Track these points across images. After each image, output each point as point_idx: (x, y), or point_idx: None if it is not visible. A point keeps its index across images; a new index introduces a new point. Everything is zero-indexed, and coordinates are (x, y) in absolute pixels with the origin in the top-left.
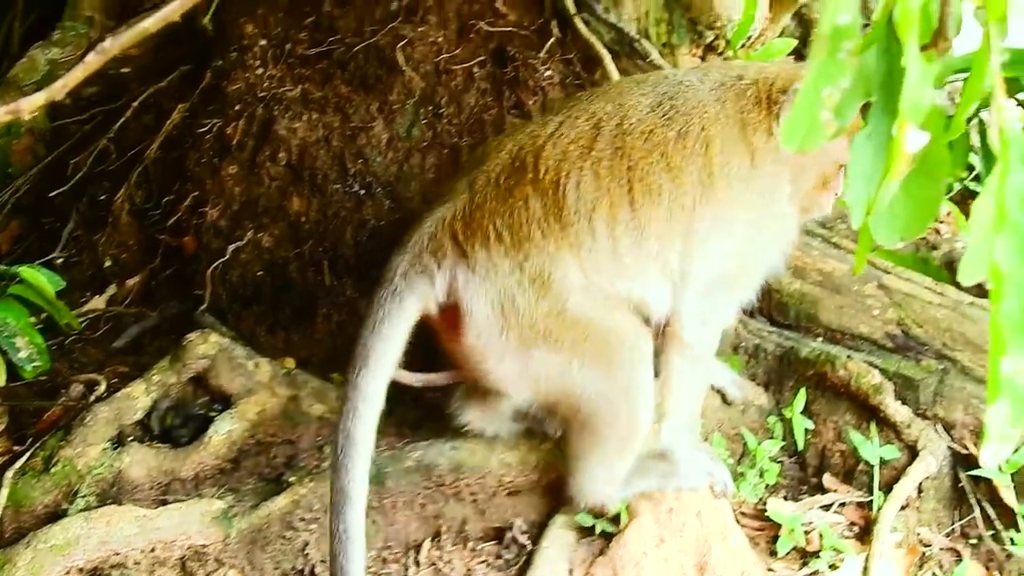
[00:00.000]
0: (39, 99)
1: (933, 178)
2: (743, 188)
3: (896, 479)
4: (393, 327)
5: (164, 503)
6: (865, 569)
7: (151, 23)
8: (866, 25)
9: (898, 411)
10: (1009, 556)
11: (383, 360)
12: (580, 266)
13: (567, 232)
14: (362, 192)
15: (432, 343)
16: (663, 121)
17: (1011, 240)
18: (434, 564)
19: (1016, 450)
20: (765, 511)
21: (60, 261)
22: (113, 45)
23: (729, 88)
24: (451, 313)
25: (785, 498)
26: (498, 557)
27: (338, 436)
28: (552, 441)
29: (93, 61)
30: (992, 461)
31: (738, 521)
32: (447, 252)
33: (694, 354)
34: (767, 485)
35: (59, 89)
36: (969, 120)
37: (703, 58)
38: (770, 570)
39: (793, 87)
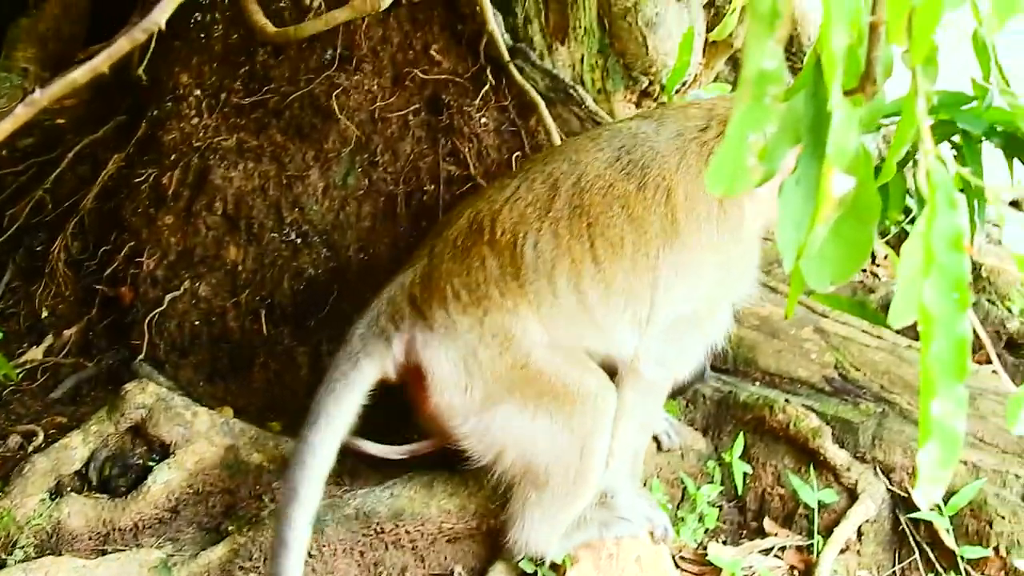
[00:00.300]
0: None
1: (863, 222)
2: (711, 232)
3: (836, 523)
4: (348, 389)
5: (103, 553)
6: None
7: (80, 74)
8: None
9: (837, 455)
10: None
11: (335, 420)
12: (541, 323)
13: (525, 290)
14: (299, 241)
15: (408, 414)
16: (622, 176)
17: (939, 282)
18: None
19: (956, 492)
20: (705, 556)
21: None
22: (43, 96)
23: (689, 138)
24: (415, 375)
25: (725, 543)
26: None
27: (285, 488)
28: (491, 488)
29: (23, 113)
30: (925, 503)
31: (678, 566)
32: (405, 315)
33: (652, 392)
34: (707, 530)
35: None
36: (905, 163)
37: (638, 104)
38: None
39: None
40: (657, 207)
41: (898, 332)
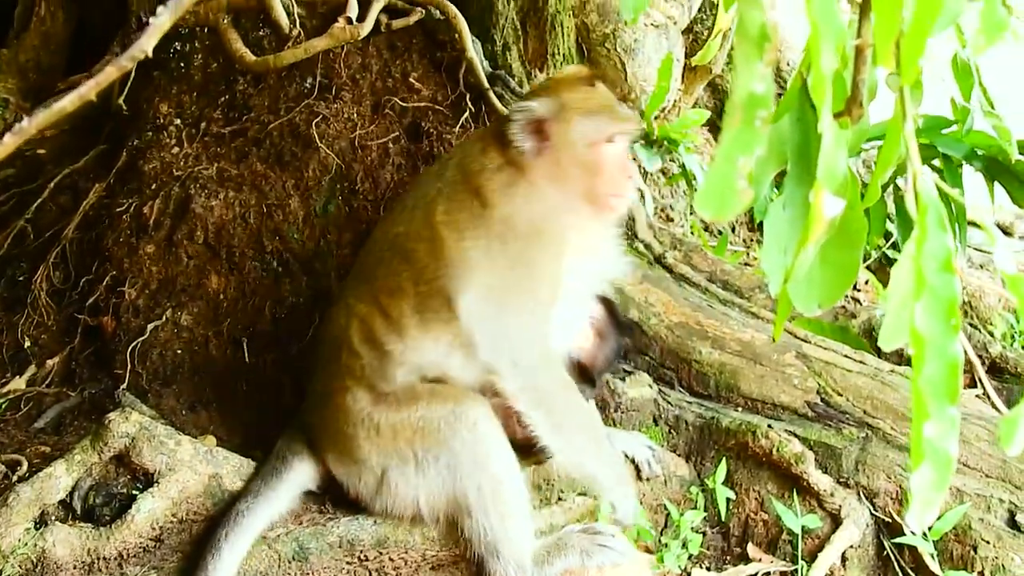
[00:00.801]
0: None
1: (850, 245)
2: (477, 230)
3: (819, 548)
4: (267, 501)
5: None
6: None
7: (68, 102)
8: (780, 95)
9: (820, 480)
10: None
11: (251, 525)
12: (369, 390)
13: (352, 364)
14: (280, 269)
15: None
16: (409, 215)
17: (930, 305)
18: None
19: (940, 517)
20: None
21: None
22: (30, 125)
23: (443, 171)
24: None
25: (709, 568)
26: None
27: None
28: None
29: (11, 141)
30: (918, 526)
31: None
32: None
33: (536, 394)
34: (690, 556)
35: None
36: (885, 188)
37: None
38: None
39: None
40: (428, 228)
41: (880, 357)
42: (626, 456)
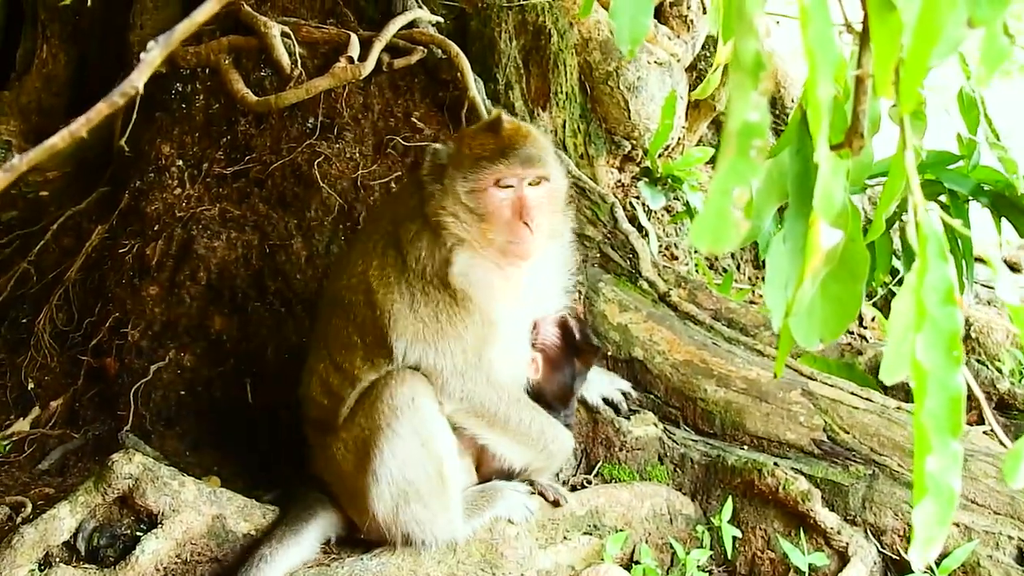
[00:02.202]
0: None
1: (852, 278)
2: (400, 284)
3: None
4: (289, 548)
5: None
6: None
7: (58, 139)
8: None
9: (827, 517)
10: None
11: (272, 571)
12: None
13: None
14: (283, 310)
15: None
16: (351, 269)
17: (932, 337)
18: None
19: (949, 554)
20: None
21: None
22: (23, 163)
23: (386, 211)
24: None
25: None
26: None
27: None
28: (479, 555)
29: (2, 179)
30: (921, 561)
31: None
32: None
33: (471, 405)
34: None
35: None
36: (891, 224)
37: (621, 168)
38: None
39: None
40: (360, 291)
41: (887, 394)
42: (603, 400)
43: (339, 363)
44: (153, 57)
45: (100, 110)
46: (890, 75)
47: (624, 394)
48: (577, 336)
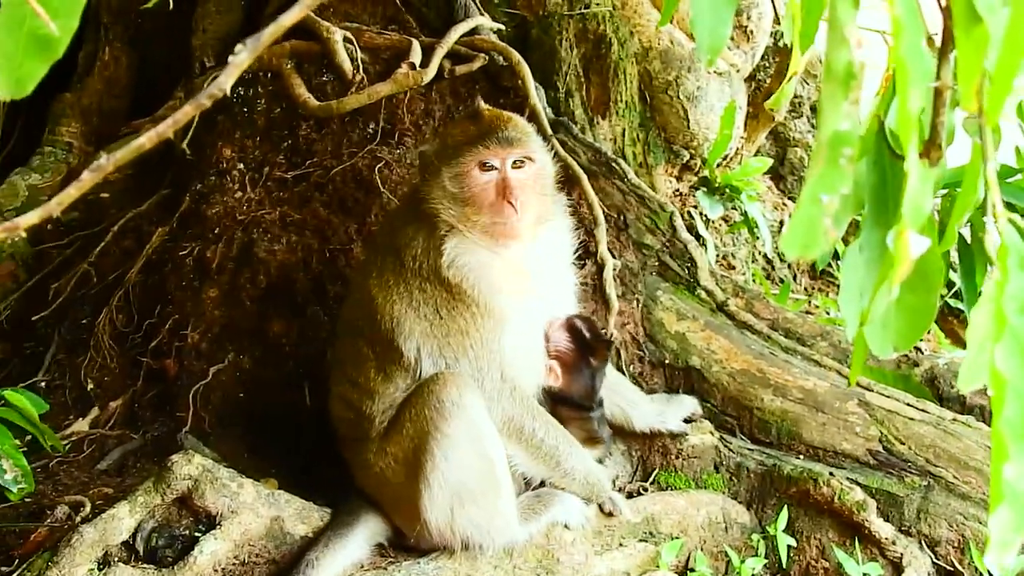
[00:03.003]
0: (33, 217)
1: (927, 288)
2: (399, 286)
3: None
4: (336, 552)
5: None
6: None
7: (146, 140)
8: None
9: (882, 528)
10: None
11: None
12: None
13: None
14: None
15: None
16: (357, 287)
17: (1011, 346)
18: None
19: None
20: None
21: (43, 384)
22: (109, 162)
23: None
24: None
25: None
26: None
27: None
28: (535, 560)
29: (89, 179)
30: (996, 567)
31: None
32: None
33: (508, 425)
34: None
35: (54, 207)
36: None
37: (679, 177)
38: None
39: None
40: (364, 303)
41: (943, 405)
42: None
43: (355, 378)
44: (241, 60)
45: (187, 112)
46: (975, 88)
47: (687, 419)
48: (587, 334)
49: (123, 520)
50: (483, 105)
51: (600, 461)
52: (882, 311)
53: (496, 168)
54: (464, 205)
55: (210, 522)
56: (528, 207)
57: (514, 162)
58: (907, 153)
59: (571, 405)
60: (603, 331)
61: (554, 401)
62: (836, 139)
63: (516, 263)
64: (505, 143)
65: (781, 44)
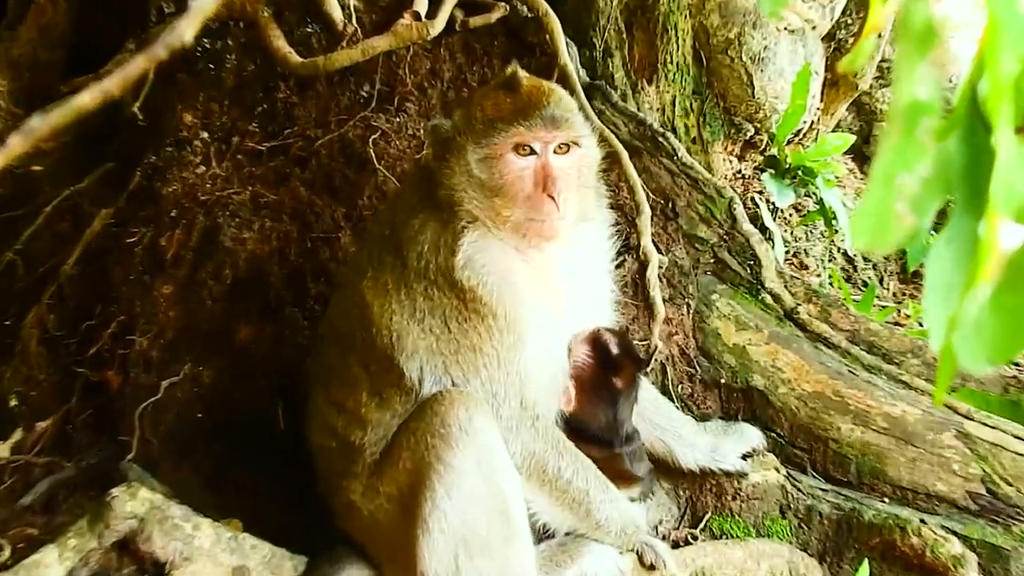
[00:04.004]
0: None
1: None
2: (399, 291)
3: None
4: None
5: None
6: None
7: (89, 99)
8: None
9: None
10: None
11: None
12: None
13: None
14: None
15: None
16: (343, 289)
17: None
18: None
19: None
20: None
21: None
22: (42, 125)
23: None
24: None
25: None
26: None
27: None
28: None
29: (16, 145)
30: None
31: None
32: None
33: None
34: None
35: None
36: None
37: (741, 156)
38: None
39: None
40: (355, 308)
41: None
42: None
43: (341, 402)
44: (206, 4)
45: (138, 66)
46: None
47: (747, 455)
48: (615, 350)
49: (50, 568)
50: (522, 72)
51: (634, 501)
52: (974, 316)
53: (536, 153)
54: (493, 195)
55: (158, 572)
56: (570, 202)
57: (557, 147)
58: (996, 128)
59: (588, 439)
60: (636, 349)
61: (568, 431)
62: (913, 108)
63: (546, 269)
64: (550, 124)
65: None
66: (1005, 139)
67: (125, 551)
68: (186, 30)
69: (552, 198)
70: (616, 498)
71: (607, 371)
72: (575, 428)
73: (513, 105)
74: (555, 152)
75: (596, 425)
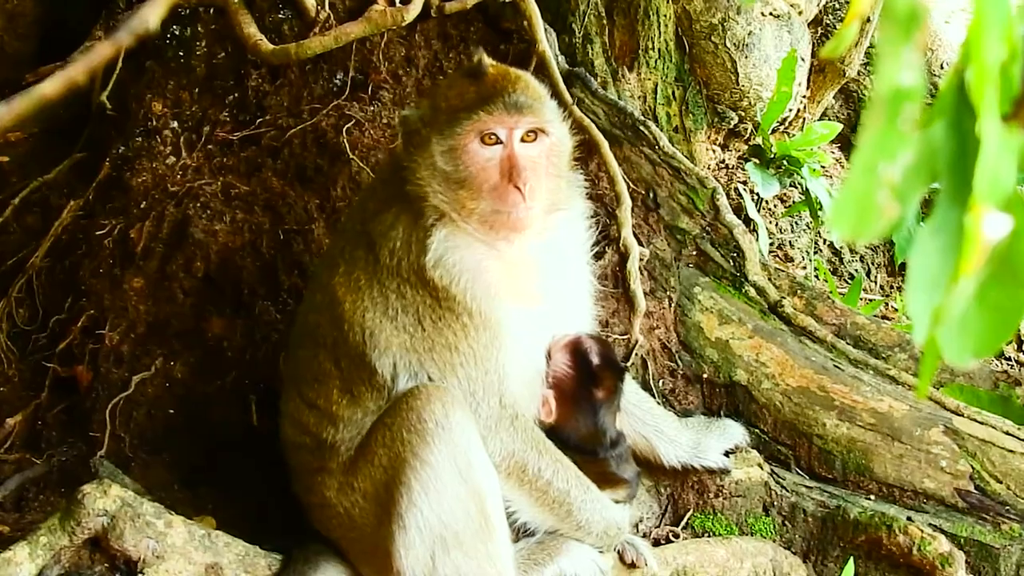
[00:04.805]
0: None
1: (1016, 281)
2: (371, 288)
3: None
4: None
5: None
6: None
7: (50, 87)
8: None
9: None
10: None
11: None
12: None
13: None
14: (297, 309)
15: None
16: (315, 284)
17: None
18: None
19: None
20: None
21: None
22: (5, 115)
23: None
24: None
25: None
26: None
27: None
28: None
29: None
30: None
31: None
32: None
33: (507, 461)
34: None
35: None
36: None
37: (725, 145)
38: None
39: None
40: (325, 307)
41: None
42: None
43: (313, 399)
44: None
45: (102, 53)
46: None
47: (729, 451)
48: (595, 360)
49: (21, 566)
50: (487, 60)
51: (619, 503)
52: (960, 309)
53: (501, 142)
54: (459, 188)
55: (130, 569)
56: (538, 192)
57: (524, 134)
58: (980, 115)
59: (571, 448)
60: (617, 357)
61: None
62: (896, 94)
63: (520, 262)
64: (513, 110)
65: None
66: (990, 126)
67: (97, 548)
68: (151, 15)
69: (519, 188)
70: (598, 499)
71: (587, 382)
72: (558, 438)
73: (477, 93)
74: (522, 140)
75: (575, 435)
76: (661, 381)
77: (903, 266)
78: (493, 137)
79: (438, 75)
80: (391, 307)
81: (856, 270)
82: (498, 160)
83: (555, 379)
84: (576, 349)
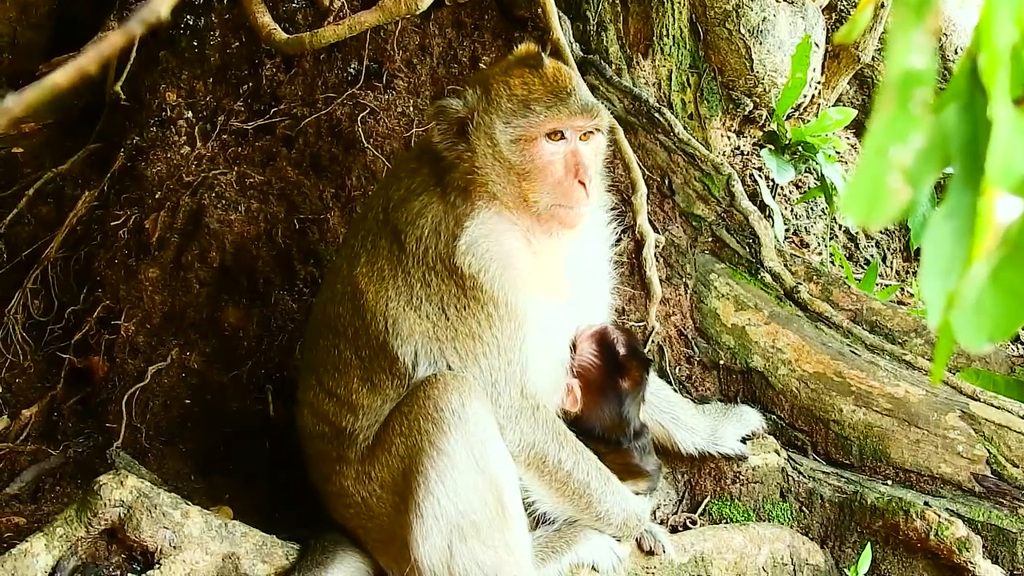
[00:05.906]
0: None
1: None
2: (396, 278)
3: None
4: None
5: None
6: None
7: (62, 77)
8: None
9: (989, 571)
10: None
11: None
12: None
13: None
14: (313, 300)
15: None
16: (334, 275)
17: None
18: None
19: None
20: None
21: None
22: (17, 105)
23: (380, 192)
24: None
25: None
26: None
27: None
28: None
29: None
30: None
31: None
32: None
33: (526, 453)
34: None
35: None
36: None
37: (740, 132)
38: None
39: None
40: (346, 297)
41: None
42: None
43: (332, 388)
44: None
45: (113, 42)
46: None
47: (746, 437)
48: (622, 350)
49: (38, 557)
50: (543, 53)
51: (639, 495)
52: (974, 293)
53: (565, 138)
54: (521, 179)
55: (147, 560)
56: (595, 190)
57: (582, 134)
58: (992, 99)
59: (596, 438)
60: (643, 348)
61: (575, 431)
62: (907, 78)
63: (552, 255)
64: (584, 112)
65: None
66: (1002, 110)
67: (113, 539)
68: (161, 4)
69: (583, 184)
70: (618, 490)
71: (614, 372)
72: (579, 428)
73: (544, 88)
74: (582, 139)
75: (600, 424)
76: (677, 368)
77: (919, 251)
78: (559, 134)
79: (452, 63)
80: (415, 295)
81: (872, 256)
82: (562, 156)
83: (581, 369)
84: (603, 339)
